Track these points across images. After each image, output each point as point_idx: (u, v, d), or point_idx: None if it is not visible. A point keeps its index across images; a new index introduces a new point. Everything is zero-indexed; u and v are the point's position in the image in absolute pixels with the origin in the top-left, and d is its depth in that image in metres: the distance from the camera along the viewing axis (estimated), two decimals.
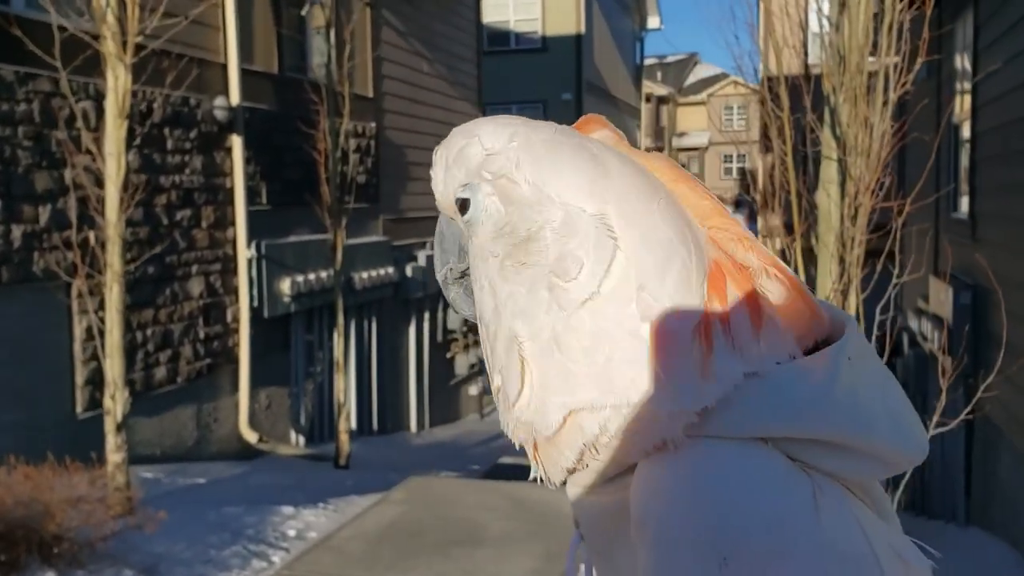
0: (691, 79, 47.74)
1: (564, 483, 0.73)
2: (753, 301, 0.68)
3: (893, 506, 0.73)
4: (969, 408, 3.48)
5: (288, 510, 5.61)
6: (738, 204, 36.64)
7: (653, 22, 29.92)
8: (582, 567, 0.78)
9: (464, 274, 0.81)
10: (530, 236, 0.69)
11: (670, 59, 47.91)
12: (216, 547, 4.81)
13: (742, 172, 43.36)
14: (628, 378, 0.66)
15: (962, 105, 8.73)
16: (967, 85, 8.39)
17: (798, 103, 4.59)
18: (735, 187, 41.47)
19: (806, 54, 5.03)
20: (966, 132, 8.50)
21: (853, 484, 0.68)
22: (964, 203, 8.50)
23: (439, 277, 0.85)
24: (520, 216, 0.70)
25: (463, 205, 0.75)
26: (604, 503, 0.71)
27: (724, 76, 44.73)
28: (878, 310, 3.58)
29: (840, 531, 0.64)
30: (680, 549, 0.62)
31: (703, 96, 44.41)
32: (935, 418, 3.48)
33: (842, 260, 3.38)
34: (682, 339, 0.66)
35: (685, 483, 0.64)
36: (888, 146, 3.26)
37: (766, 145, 5.77)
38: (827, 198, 3.61)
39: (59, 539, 4.07)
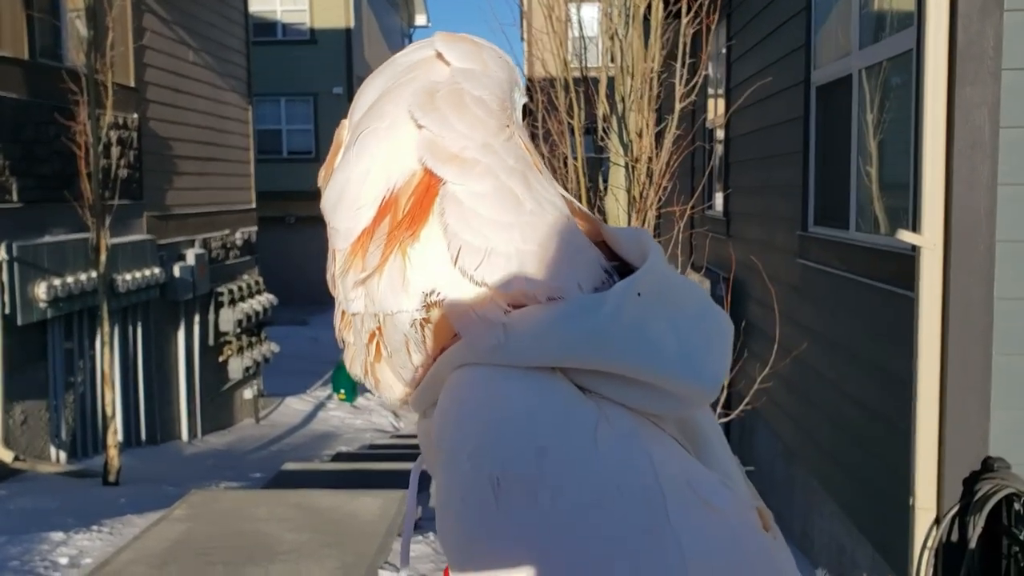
0: None
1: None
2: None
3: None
4: (747, 399, 3.76)
5: (58, 536, 5.17)
6: None
7: (420, 19, 30.17)
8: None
9: None
10: None
11: None
12: None
13: None
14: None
15: (716, 109, 9.44)
16: (720, 91, 9.08)
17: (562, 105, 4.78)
18: None
19: (583, 60, 5.24)
20: (720, 135, 9.19)
21: (662, 419, 0.70)
22: (718, 200, 9.19)
23: None
24: None
25: None
26: (426, 429, 0.74)
27: None
28: None
29: (620, 461, 0.65)
30: (457, 472, 0.65)
31: None
32: (718, 409, 3.73)
33: None
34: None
35: (460, 408, 0.67)
36: (675, 153, 3.47)
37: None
38: (615, 202, 3.79)
39: None
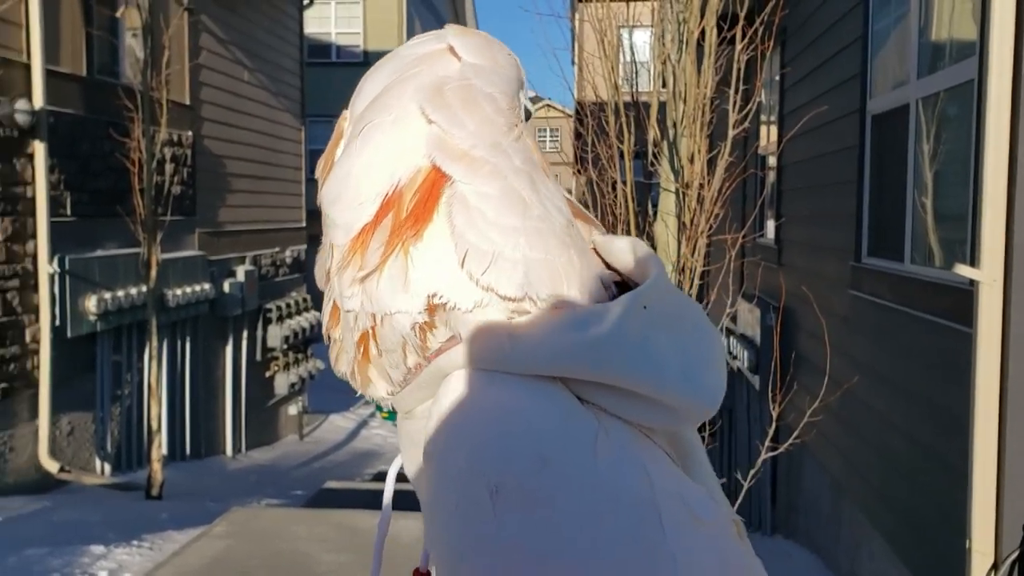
0: None
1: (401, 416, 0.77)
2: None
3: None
4: (796, 432, 3.66)
5: (98, 549, 5.20)
6: None
7: None
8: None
9: None
10: None
11: None
12: None
13: None
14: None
15: (768, 136, 9.32)
16: (772, 118, 8.97)
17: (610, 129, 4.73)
18: None
19: (635, 85, 5.20)
20: (772, 162, 9.07)
21: (654, 432, 0.70)
22: (770, 228, 9.06)
23: None
24: None
25: None
26: (415, 428, 0.73)
27: (537, 99, 45.93)
28: None
29: (619, 474, 0.64)
30: (452, 477, 0.64)
31: None
32: (767, 443, 3.64)
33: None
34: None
35: (458, 413, 0.65)
36: (727, 179, 3.41)
37: (578, 169, 5.91)
38: (665, 228, 3.73)
39: None
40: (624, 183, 4.58)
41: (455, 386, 0.67)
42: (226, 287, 10.87)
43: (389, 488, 0.83)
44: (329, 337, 0.77)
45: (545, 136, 44.93)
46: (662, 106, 4.48)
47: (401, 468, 0.81)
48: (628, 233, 3.82)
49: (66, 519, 6.23)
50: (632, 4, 5.16)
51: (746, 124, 3.57)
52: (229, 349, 11.43)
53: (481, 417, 0.65)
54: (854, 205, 5.84)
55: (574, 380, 0.67)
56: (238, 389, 11.56)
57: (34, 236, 7.45)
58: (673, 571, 0.62)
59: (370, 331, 0.71)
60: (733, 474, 4.50)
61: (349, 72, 21.81)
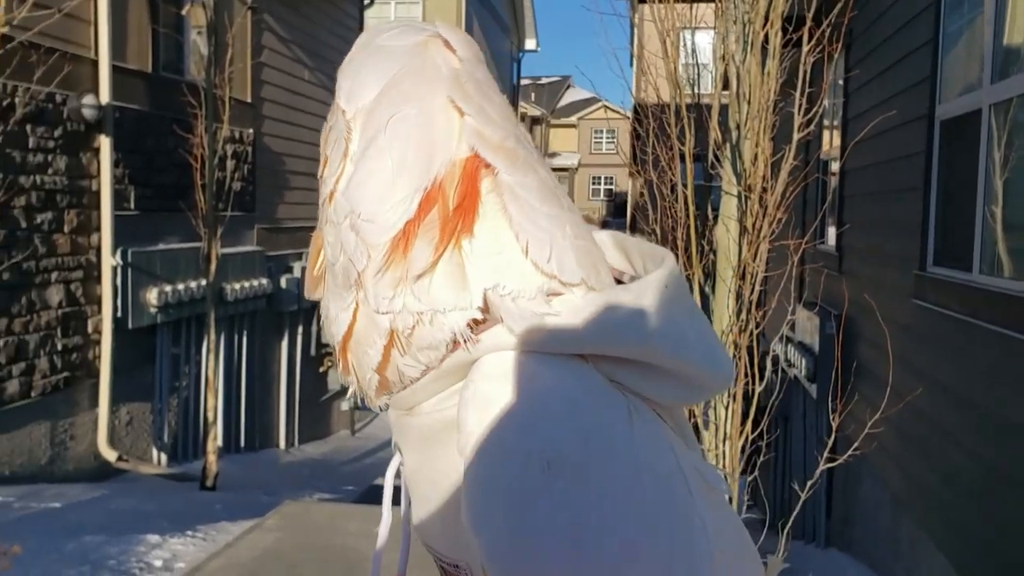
0: (563, 101, 48.57)
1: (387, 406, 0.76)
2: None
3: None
4: (856, 444, 3.57)
5: (153, 538, 5.28)
6: (605, 225, 37.66)
7: (530, 44, 30.28)
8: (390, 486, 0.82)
9: None
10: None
11: (544, 81, 48.63)
12: None
13: (609, 193, 44.42)
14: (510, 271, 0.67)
15: (831, 141, 9.14)
16: (835, 122, 8.79)
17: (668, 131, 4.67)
18: (603, 208, 42.44)
19: (696, 86, 5.12)
20: (834, 167, 8.89)
21: (662, 409, 0.73)
22: (830, 235, 8.88)
23: None
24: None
25: None
26: (424, 423, 0.73)
27: (595, 100, 45.76)
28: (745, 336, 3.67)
29: (652, 448, 0.68)
30: (501, 457, 0.64)
31: (574, 119, 45.28)
32: (825, 453, 3.56)
33: (740, 296, 3.43)
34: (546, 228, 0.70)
35: (505, 396, 0.66)
36: (790, 184, 3.34)
37: (636, 171, 5.85)
38: (726, 232, 3.66)
39: None
40: (684, 186, 4.52)
41: (493, 369, 0.67)
42: (283, 283, 11.00)
43: (389, 492, 0.82)
44: (337, 336, 0.76)
45: (602, 137, 44.73)
46: (724, 108, 4.41)
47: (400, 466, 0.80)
48: (688, 237, 3.76)
49: (123, 507, 6.34)
50: (695, 5, 5.08)
51: (811, 128, 3.49)
52: (284, 344, 11.56)
53: (527, 397, 0.66)
54: (920, 212, 5.69)
55: (601, 359, 0.68)
56: (292, 383, 11.69)
57: (98, 229, 7.61)
58: (704, 534, 0.67)
59: (404, 332, 0.69)
60: (789, 483, 4.41)
61: None
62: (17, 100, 6.51)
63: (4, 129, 6.02)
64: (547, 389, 0.66)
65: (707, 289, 4.02)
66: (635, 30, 19.16)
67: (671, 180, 4.37)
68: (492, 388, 0.66)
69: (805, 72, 3.48)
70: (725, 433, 3.42)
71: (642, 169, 5.37)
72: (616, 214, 39.45)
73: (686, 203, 4.29)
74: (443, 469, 0.72)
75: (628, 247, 0.80)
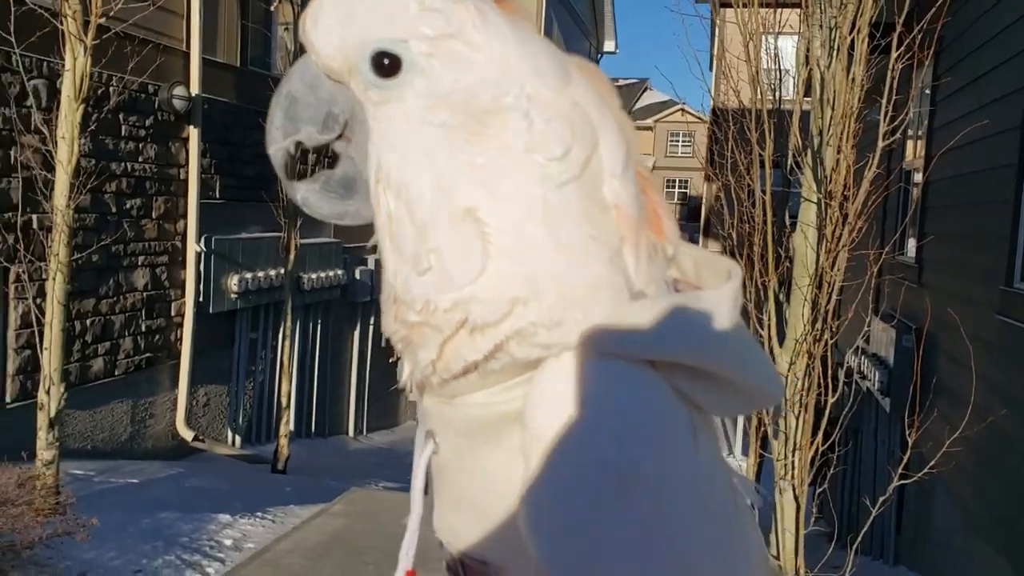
0: (640, 104, 48.18)
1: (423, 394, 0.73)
2: (656, 224, 0.71)
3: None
4: (933, 462, 3.49)
5: (225, 518, 5.43)
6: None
7: (609, 45, 30.06)
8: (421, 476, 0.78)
9: (319, 156, 0.74)
10: (492, 108, 0.65)
11: (621, 83, 48.32)
12: (148, 555, 4.62)
13: (684, 197, 43.98)
14: (587, 258, 0.66)
15: (915, 151, 8.91)
16: (920, 131, 8.56)
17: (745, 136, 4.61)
18: (677, 211, 42.08)
19: (779, 91, 5.05)
20: (917, 178, 8.66)
21: (707, 417, 0.72)
22: (910, 246, 8.66)
23: (276, 152, 0.75)
24: (478, 86, 0.66)
25: (384, 63, 0.67)
26: (472, 414, 0.70)
27: (672, 103, 45.27)
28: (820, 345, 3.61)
29: (710, 460, 0.68)
30: (575, 465, 0.63)
31: (650, 122, 44.87)
32: (899, 470, 3.48)
33: (815, 305, 3.38)
34: (636, 226, 0.68)
35: (584, 400, 0.64)
36: (872, 192, 3.28)
37: (714, 174, 5.79)
38: (804, 240, 3.61)
39: None
40: (764, 191, 4.48)
41: (566, 369, 0.65)
42: (357, 274, 11.18)
43: (419, 482, 0.78)
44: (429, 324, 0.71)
45: (678, 140, 44.29)
46: (804, 114, 4.35)
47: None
48: (765, 242, 3.72)
49: (197, 486, 6.53)
50: (778, 9, 5.01)
51: (897, 136, 3.42)
52: (357, 334, 11.74)
53: (601, 403, 0.64)
54: (1008, 227, 5.52)
55: (665, 367, 0.66)
56: (363, 372, 11.87)
57: (184, 216, 7.84)
58: (748, 544, 0.70)
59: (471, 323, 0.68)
60: (857, 497, 4.32)
61: None
62: (111, 89, 6.75)
63: (99, 117, 6.24)
64: (623, 398, 0.65)
65: (780, 296, 3.97)
66: (716, 33, 18.95)
67: (748, 185, 4.32)
68: (565, 389, 0.65)
69: (893, 79, 3.41)
70: (795, 444, 3.38)
71: (719, 173, 5.32)
72: (690, 217, 39.01)
73: (764, 209, 4.24)
74: (488, 464, 0.71)
75: (679, 254, 0.78)
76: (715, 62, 18.85)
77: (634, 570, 0.62)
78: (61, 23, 4.84)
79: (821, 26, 3.59)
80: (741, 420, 12.75)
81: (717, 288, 0.69)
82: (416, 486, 0.78)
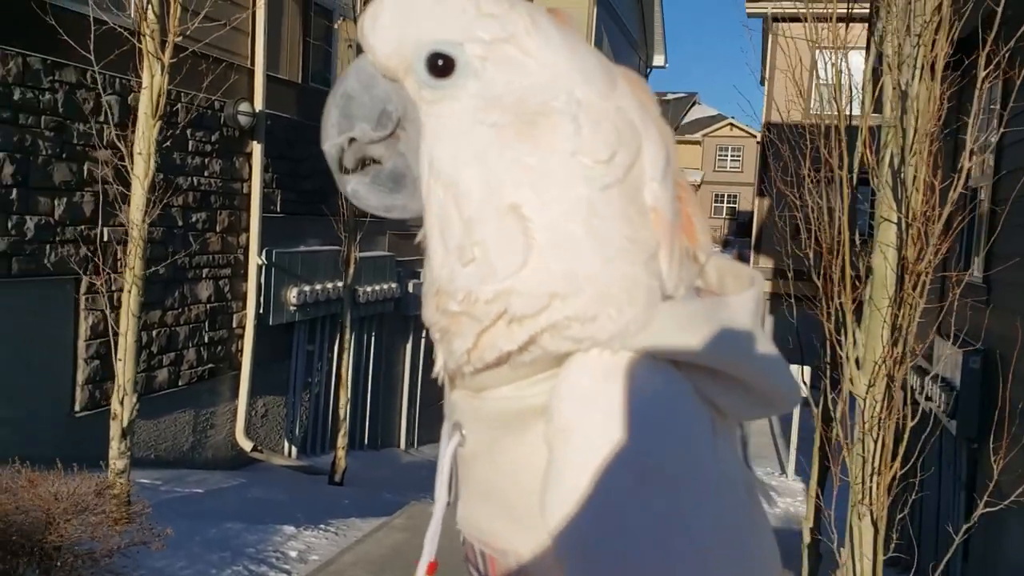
0: (688, 118, 47.93)
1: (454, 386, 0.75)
2: (689, 231, 0.73)
3: None
4: (1016, 494, 3.40)
5: (289, 529, 5.48)
6: (726, 244, 36.77)
7: (658, 60, 29.99)
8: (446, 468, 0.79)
9: (365, 158, 0.75)
10: (542, 111, 0.68)
11: (670, 97, 48.10)
12: (217, 566, 4.67)
13: (732, 212, 43.59)
14: (624, 258, 0.68)
15: (983, 168, 8.74)
16: (988, 150, 8.39)
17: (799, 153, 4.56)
18: (725, 226, 41.68)
19: (849, 107, 4.99)
20: (982, 195, 8.48)
21: (725, 418, 0.73)
22: (977, 266, 8.48)
23: (331, 148, 0.76)
24: (528, 90, 0.68)
25: (439, 64, 0.69)
26: (500, 407, 0.72)
27: (721, 118, 45.01)
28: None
29: (729, 459, 0.70)
30: (598, 461, 0.64)
31: (698, 136, 44.63)
32: (984, 497, 3.40)
33: (895, 327, 3.32)
34: (672, 230, 0.70)
35: (611, 396, 0.65)
36: (960, 214, 3.22)
37: (762, 189, 5.72)
38: (884, 261, 3.55)
39: (59, 551, 3.93)
40: (829, 209, 4.42)
41: (593, 365, 0.67)
42: (410, 287, 11.25)
43: (443, 476, 0.79)
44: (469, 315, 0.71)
45: (727, 154, 43.97)
46: (874, 131, 4.29)
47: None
48: (843, 263, 3.67)
49: (258, 497, 6.60)
50: (835, 24, 4.95)
51: (985, 155, 3.36)
52: (409, 346, 11.81)
53: (627, 400, 0.65)
54: None
55: (689, 368, 0.68)
56: (415, 386, 11.93)
57: (247, 229, 7.96)
58: (761, 539, 0.71)
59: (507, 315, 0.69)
60: (919, 521, 4.22)
61: None
62: (180, 106, 6.88)
63: (172, 133, 6.37)
64: (647, 395, 0.66)
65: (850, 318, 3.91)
66: (768, 49, 18.81)
67: (817, 203, 4.26)
68: (592, 385, 0.67)
69: (980, 96, 3.35)
70: (873, 468, 3.32)
71: (771, 189, 5.22)
72: (739, 233, 38.56)
73: (840, 229, 4.18)
74: (513, 457, 0.72)
75: (707, 262, 0.79)
76: (767, 77, 18.73)
77: (651, 564, 0.63)
78: (139, 42, 4.95)
79: (900, 44, 3.54)
80: (795, 438, 12.56)
81: (740, 294, 0.72)
82: (441, 479, 0.79)
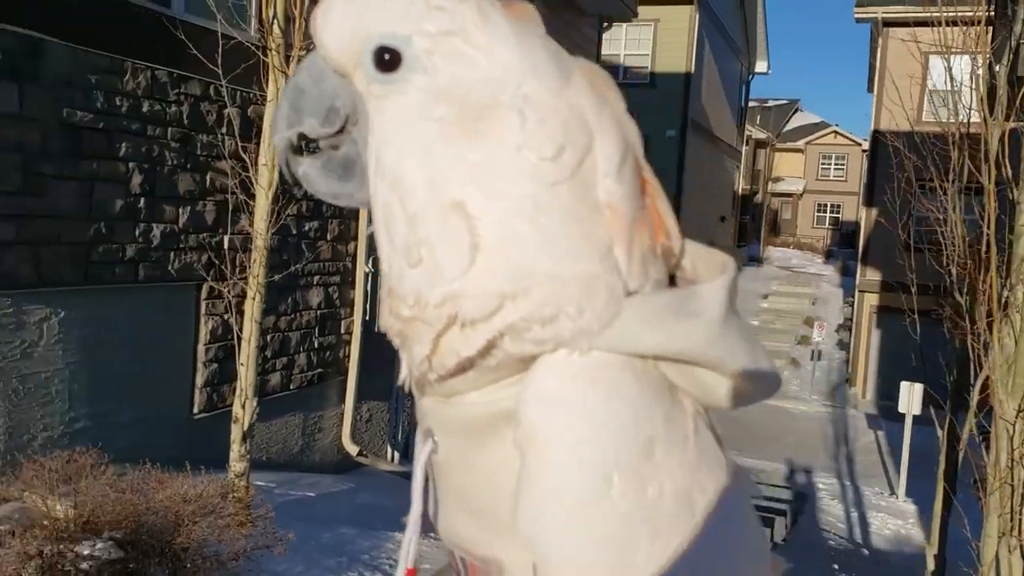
0: (790, 125, 46.94)
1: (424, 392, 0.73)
2: (658, 226, 0.71)
3: None
4: None
5: (400, 536, 5.52)
6: (829, 254, 35.80)
7: (761, 66, 29.52)
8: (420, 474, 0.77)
9: (314, 145, 0.74)
10: (489, 106, 0.66)
11: (771, 104, 47.21)
12: (334, 571, 4.74)
13: (835, 222, 42.46)
14: (577, 255, 0.66)
15: None
16: None
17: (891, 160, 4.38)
18: (828, 236, 40.63)
19: (968, 115, 4.79)
20: None
21: (703, 409, 0.72)
22: None
23: (279, 141, 0.75)
24: (476, 84, 0.67)
25: (386, 57, 0.68)
26: (470, 413, 0.70)
27: (824, 125, 43.92)
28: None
29: (707, 448, 0.69)
30: (566, 463, 0.63)
31: (800, 144, 43.65)
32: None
33: None
34: (630, 227, 0.68)
35: (577, 397, 0.65)
36: None
37: (871, 198, 5.54)
38: None
39: (187, 552, 4.04)
40: (963, 220, 4.26)
41: (559, 366, 0.66)
42: None
43: (418, 482, 0.76)
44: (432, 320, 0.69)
45: (830, 163, 42.91)
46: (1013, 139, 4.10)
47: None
48: (991, 280, 3.51)
49: (367, 502, 6.69)
50: (939, 28, 4.75)
51: None
52: None
53: (594, 401, 0.64)
54: None
55: (660, 360, 0.67)
56: None
57: (355, 238, 8.11)
58: (747, 532, 0.71)
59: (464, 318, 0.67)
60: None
61: (634, 94, 21.97)
62: None
63: None
64: (615, 394, 0.65)
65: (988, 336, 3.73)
66: (879, 54, 18.27)
67: (962, 217, 4.10)
68: (559, 387, 0.65)
69: None
70: (1023, 497, 3.15)
71: (883, 198, 5.06)
72: (842, 243, 37.52)
73: (955, 240, 4.02)
74: (485, 461, 0.70)
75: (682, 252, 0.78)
76: (877, 83, 18.20)
77: (624, 565, 0.63)
78: (265, 55, 5.08)
79: None
80: (906, 458, 12.12)
81: (710, 282, 0.69)
82: (415, 487, 0.77)
